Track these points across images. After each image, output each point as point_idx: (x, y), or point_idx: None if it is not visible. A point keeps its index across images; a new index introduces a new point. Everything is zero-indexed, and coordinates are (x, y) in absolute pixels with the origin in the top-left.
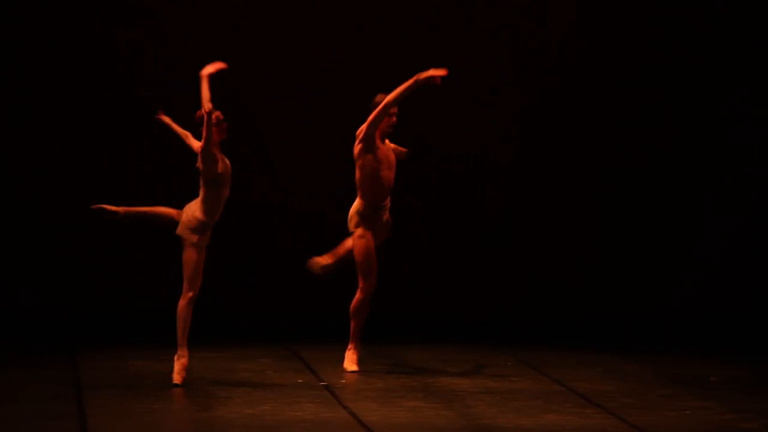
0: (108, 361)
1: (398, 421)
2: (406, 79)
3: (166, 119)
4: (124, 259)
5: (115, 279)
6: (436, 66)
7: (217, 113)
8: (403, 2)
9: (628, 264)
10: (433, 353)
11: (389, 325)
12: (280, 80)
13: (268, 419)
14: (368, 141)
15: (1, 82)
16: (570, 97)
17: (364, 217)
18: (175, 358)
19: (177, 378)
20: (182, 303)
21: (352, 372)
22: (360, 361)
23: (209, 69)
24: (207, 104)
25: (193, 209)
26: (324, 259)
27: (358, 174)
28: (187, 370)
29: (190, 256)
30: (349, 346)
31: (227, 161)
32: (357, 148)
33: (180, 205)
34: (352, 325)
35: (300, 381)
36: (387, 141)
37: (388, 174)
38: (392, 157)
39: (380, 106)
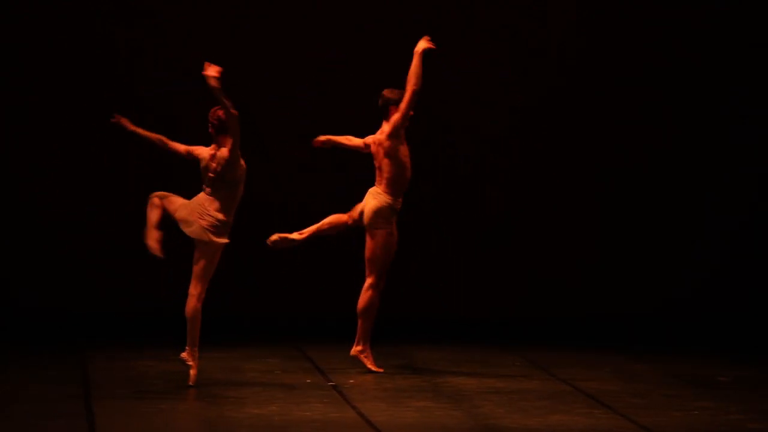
0: (113, 361)
1: (406, 421)
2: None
3: (130, 125)
4: (124, 259)
5: (115, 279)
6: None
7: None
8: (403, 2)
9: (628, 264)
10: (441, 353)
11: (396, 326)
12: (280, 80)
13: (277, 419)
14: (401, 134)
15: (1, 82)
16: (570, 97)
17: (395, 214)
18: (194, 360)
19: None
20: (198, 305)
21: (378, 371)
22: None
23: (213, 73)
24: (232, 110)
25: (207, 210)
26: (293, 235)
27: (389, 169)
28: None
29: (216, 258)
30: (364, 347)
31: (242, 159)
32: (389, 143)
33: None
34: (366, 325)
35: (308, 381)
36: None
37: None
38: None
39: (410, 96)
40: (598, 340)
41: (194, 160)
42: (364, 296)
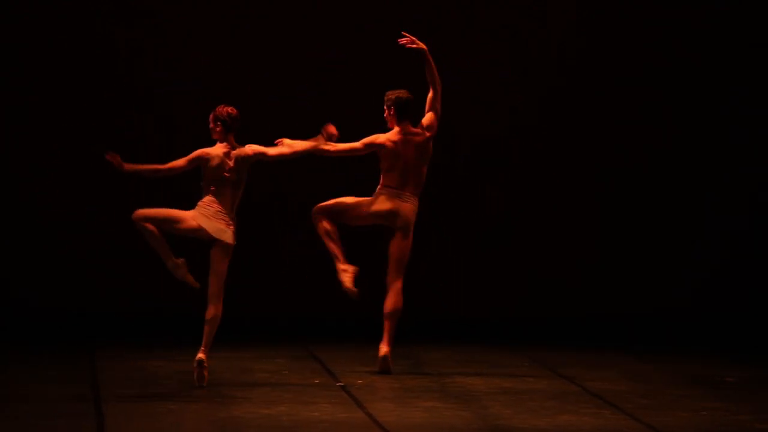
0: (119, 361)
1: (415, 422)
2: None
3: (124, 165)
4: (124, 259)
5: (115, 279)
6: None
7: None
8: (403, 2)
9: (628, 264)
10: (447, 353)
11: (403, 326)
12: (280, 80)
13: (285, 419)
14: None
15: (1, 82)
16: (570, 97)
17: None
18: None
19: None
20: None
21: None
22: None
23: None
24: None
25: (221, 210)
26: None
27: (425, 173)
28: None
29: (230, 257)
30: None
31: None
32: (431, 144)
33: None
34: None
35: (317, 381)
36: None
37: None
38: None
39: (437, 92)
40: (598, 340)
41: (201, 165)
42: (399, 298)
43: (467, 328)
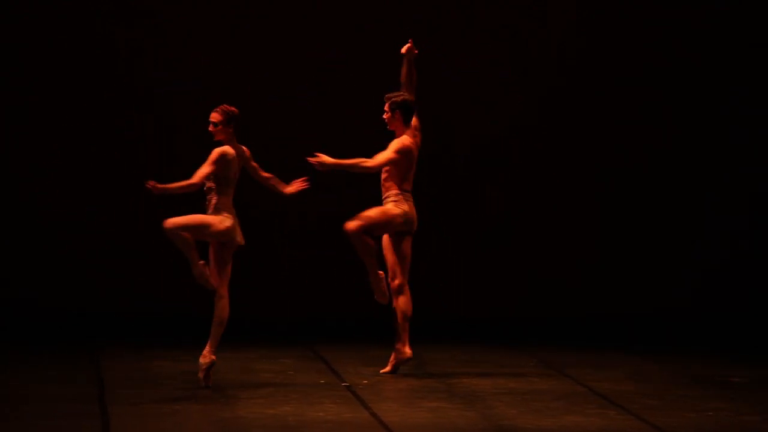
0: (124, 362)
1: (419, 422)
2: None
3: (160, 187)
4: (124, 259)
5: (115, 279)
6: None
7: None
8: (403, 2)
9: (628, 264)
10: (452, 354)
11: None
12: (280, 80)
13: (291, 420)
14: None
15: (1, 82)
16: (570, 97)
17: None
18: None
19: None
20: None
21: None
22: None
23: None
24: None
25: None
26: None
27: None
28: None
29: None
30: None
31: None
32: None
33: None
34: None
35: (322, 381)
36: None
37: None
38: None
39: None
40: (598, 341)
41: (222, 165)
42: (409, 297)
43: (467, 328)
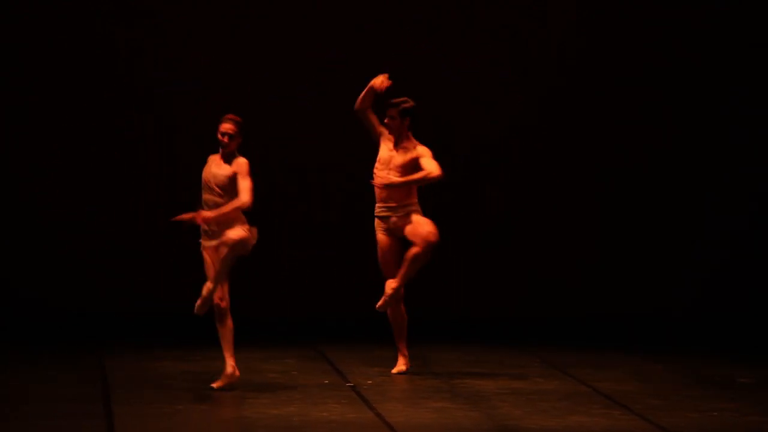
0: (127, 362)
1: (424, 422)
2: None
3: (210, 216)
4: (124, 259)
5: (115, 279)
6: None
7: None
8: (403, 2)
9: (628, 264)
10: (458, 354)
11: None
12: (280, 80)
13: (295, 420)
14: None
15: (1, 82)
16: (570, 97)
17: (380, 220)
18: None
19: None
20: None
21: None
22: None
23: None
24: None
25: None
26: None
27: None
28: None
29: None
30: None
31: None
32: None
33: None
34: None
35: (326, 382)
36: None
37: (386, 175)
38: (401, 159)
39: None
40: (598, 341)
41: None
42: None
43: (467, 328)
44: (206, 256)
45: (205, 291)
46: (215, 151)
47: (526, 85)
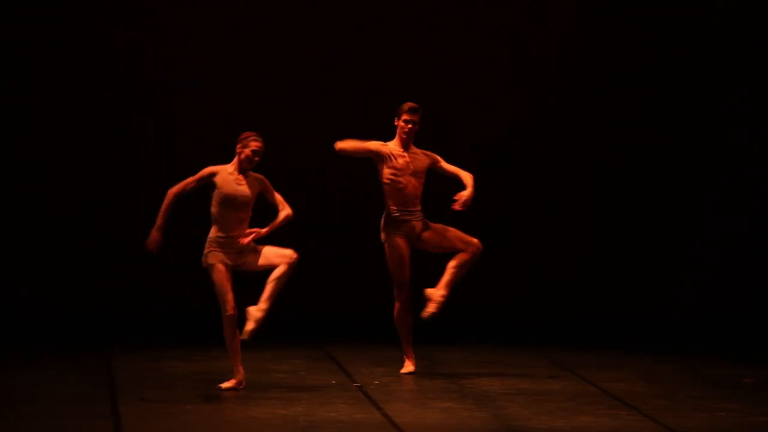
0: (134, 361)
1: (431, 422)
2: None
3: (263, 231)
4: (124, 259)
5: (115, 279)
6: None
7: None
8: (403, 2)
9: (628, 264)
10: (464, 355)
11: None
12: (280, 80)
13: (302, 420)
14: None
15: (1, 82)
16: (570, 97)
17: (394, 223)
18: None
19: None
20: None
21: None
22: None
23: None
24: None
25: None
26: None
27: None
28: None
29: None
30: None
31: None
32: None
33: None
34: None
35: (334, 382)
36: (413, 147)
37: (409, 180)
38: (419, 163)
39: (344, 147)
40: (599, 341)
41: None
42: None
43: (467, 328)
44: (225, 270)
45: (259, 314)
46: (216, 156)
47: (526, 85)
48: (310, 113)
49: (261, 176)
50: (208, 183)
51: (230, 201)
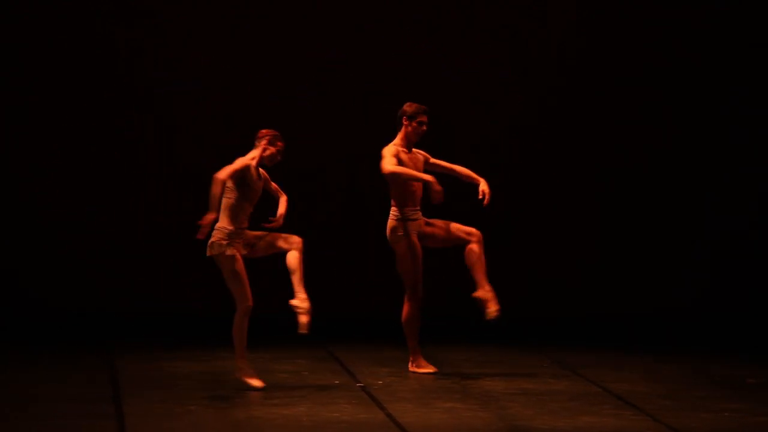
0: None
1: (434, 422)
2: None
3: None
4: (124, 259)
5: (115, 279)
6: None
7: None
8: (403, 2)
9: (628, 264)
10: (467, 355)
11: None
12: (280, 80)
13: (305, 420)
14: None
15: (1, 82)
16: (570, 97)
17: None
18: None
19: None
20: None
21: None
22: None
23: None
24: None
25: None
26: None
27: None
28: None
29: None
30: (413, 357)
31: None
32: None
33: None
34: (408, 336)
35: (337, 382)
36: (413, 149)
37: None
38: (419, 163)
39: (400, 173)
40: (599, 341)
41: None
42: (403, 309)
43: (467, 328)
44: (242, 261)
45: (306, 303)
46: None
47: (526, 85)
48: (310, 113)
49: (261, 169)
50: (243, 176)
51: (251, 195)
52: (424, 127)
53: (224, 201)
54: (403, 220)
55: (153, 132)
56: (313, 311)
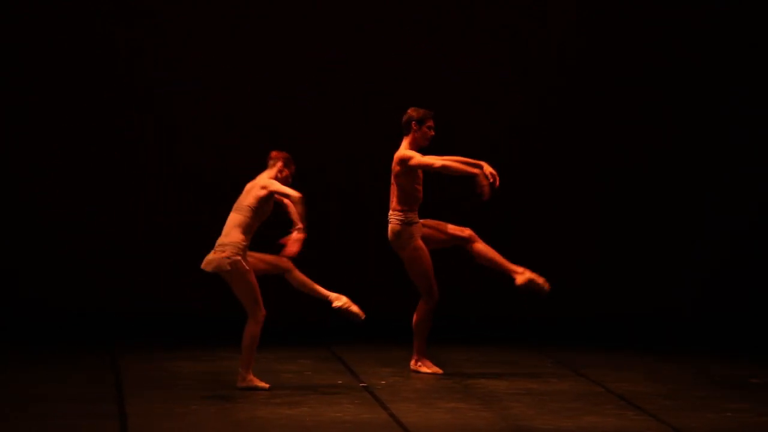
0: (136, 362)
1: (437, 422)
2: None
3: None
4: (124, 259)
5: (115, 279)
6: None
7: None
8: (403, 2)
9: (628, 264)
10: (469, 355)
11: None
12: (280, 80)
13: (308, 420)
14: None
15: (1, 82)
16: (570, 97)
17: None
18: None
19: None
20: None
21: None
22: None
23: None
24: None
25: None
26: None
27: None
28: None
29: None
30: (418, 358)
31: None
32: (399, 168)
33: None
34: (417, 339)
35: (340, 382)
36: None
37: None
38: None
39: (430, 164)
40: (599, 341)
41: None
42: (417, 309)
43: (467, 328)
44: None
45: (345, 297)
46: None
47: (526, 85)
48: (310, 113)
49: None
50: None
51: (264, 216)
52: (432, 132)
53: (238, 218)
54: (407, 223)
55: (153, 132)
56: (350, 297)
